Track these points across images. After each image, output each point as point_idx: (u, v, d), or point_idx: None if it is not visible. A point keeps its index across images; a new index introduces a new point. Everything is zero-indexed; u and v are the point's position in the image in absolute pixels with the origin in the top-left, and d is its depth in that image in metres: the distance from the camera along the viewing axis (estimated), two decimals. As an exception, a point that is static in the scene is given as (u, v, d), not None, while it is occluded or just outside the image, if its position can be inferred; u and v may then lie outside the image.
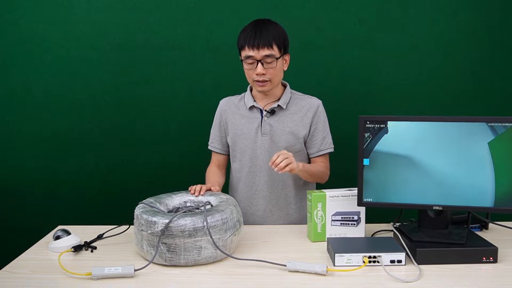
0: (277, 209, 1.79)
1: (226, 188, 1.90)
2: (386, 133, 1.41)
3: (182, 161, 2.32)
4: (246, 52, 1.64)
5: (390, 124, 1.40)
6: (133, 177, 2.33)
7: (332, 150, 1.81)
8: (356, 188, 1.47)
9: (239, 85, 2.07)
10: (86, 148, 2.31)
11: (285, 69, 1.74)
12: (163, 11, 2.22)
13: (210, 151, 1.90)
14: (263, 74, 1.65)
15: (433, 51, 2.25)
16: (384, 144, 1.41)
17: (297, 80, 2.22)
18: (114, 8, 2.21)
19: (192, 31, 2.23)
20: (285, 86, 1.82)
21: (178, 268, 1.31)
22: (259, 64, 1.64)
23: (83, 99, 2.28)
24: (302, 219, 1.82)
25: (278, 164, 1.52)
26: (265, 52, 1.62)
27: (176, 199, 1.53)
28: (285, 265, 1.28)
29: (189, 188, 1.58)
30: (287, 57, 1.74)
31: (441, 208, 1.40)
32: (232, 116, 1.81)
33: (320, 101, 1.80)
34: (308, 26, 2.23)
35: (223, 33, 2.22)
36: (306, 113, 1.76)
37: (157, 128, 2.30)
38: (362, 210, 1.52)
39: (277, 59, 1.65)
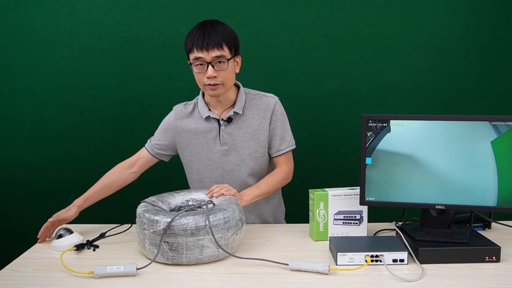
0: (247, 212, 1.75)
1: None
2: (389, 132, 1.41)
3: (184, 160, 2.32)
4: (195, 54, 1.55)
5: (393, 123, 1.40)
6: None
7: (293, 147, 1.76)
8: (359, 187, 1.47)
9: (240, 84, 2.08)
10: (89, 147, 2.32)
11: (237, 71, 1.67)
12: (165, 10, 2.22)
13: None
14: (215, 77, 1.57)
15: (435, 50, 2.25)
16: (387, 143, 1.41)
17: (298, 80, 2.23)
18: (116, 7, 2.21)
19: (194, 30, 2.23)
20: (238, 87, 1.74)
21: (180, 267, 1.31)
22: (210, 67, 1.55)
23: (85, 97, 2.28)
24: (276, 218, 1.82)
25: (213, 191, 1.50)
26: (215, 53, 1.54)
27: (178, 198, 1.53)
28: (287, 264, 1.28)
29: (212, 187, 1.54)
30: (238, 59, 1.65)
31: (443, 207, 1.39)
32: (187, 127, 1.73)
33: (276, 99, 1.73)
34: (310, 25, 2.22)
35: (225, 32, 2.22)
36: (264, 115, 1.70)
37: (158, 126, 2.30)
38: (365, 209, 1.52)
39: (228, 60, 1.57)
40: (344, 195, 1.51)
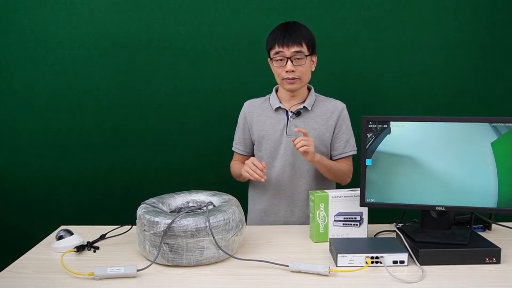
0: (299, 209, 1.82)
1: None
2: (389, 133, 1.41)
3: (184, 161, 2.32)
4: (276, 49, 1.68)
5: (393, 124, 1.40)
6: (135, 177, 2.34)
7: (355, 152, 1.84)
8: (359, 189, 1.47)
9: (241, 85, 2.08)
10: (89, 148, 2.32)
11: (313, 69, 1.77)
12: (165, 11, 2.22)
13: (225, 149, 1.93)
14: (293, 71, 1.68)
15: (435, 51, 2.25)
16: (387, 144, 1.41)
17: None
18: (116, 8, 2.22)
19: (194, 32, 2.23)
20: (309, 89, 1.84)
21: (180, 268, 1.31)
22: (289, 61, 1.68)
23: (85, 99, 2.29)
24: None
25: (297, 143, 1.58)
26: (295, 48, 1.67)
27: (179, 200, 1.53)
28: (288, 266, 1.28)
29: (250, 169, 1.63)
30: (314, 58, 1.77)
31: (444, 209, 1.39)
32: (257, 118, 1.84)
33: (344, 104, 1.84)
34: (311, 26, 2.21)
35: (226, 34, 2.22)
36: (331, 116, 1.79)
37: (159, 128, 2.31)
38: (365, 210, 1.52)
39: (306, 56, 1.69)
40: (344, 196, 1.51)
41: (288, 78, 1.70)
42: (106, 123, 2.30)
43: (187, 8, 2.22)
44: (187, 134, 2.32)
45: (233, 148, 1.94)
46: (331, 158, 1.84)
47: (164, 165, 2.34)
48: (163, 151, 2.33)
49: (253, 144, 1.89)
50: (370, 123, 1.42)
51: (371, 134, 1.42)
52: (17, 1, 2.21)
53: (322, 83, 2.26)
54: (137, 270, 1.26)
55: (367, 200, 1.45)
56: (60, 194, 2.35)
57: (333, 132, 1.80)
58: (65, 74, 2.27)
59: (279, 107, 1.80)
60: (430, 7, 2.21)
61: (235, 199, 1.49)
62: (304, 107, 1.78)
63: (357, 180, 1.48)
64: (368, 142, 1.42)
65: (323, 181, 1.83)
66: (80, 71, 2.26)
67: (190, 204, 1.52)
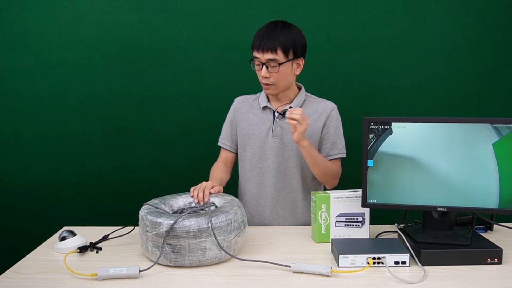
0: (284, 211, 1.80)
1: (231, 187, 1.90)
2: (390, 134, 1.41)
3: (187, 162, 2.33)
4: (254, 53, 1.67)
5: (394, 125, 1.41)
6: (138, 178, 2.34)
7: (343, 155, 1.80)
8: (361, 189, 1.47)
9: (243, 87, 2.08)
10: (92, 150, 2.32)
11: (297, 73, 1.73)
12: (168, 13, 2.23)
13: (219, 148, 1.90)
14: (267, 77, 1.66)
15: (437, 52, 2.25)
16: (388, 145, 1.41)
17: (300, 82, 2.23)
18: (118, 11, 2.22)
19: (197, 33, 2.24)
20: (300, 89, 1.81)
21: (182, 269, 1.31)
22: (264, 67, 1.65)
23: (88, 101, 2.29)
24: (309, 223, 1.81)
25: (291, 112, 1.55)
26: (269, 56, 1.63)
27: (181, 200, 1.54)
28: (290, 266, 1.29)
29: (191, 192, 1.56)
30: (300, 61, 1.71)
31: (445, 209, 1.40)
32: (245, 115, 1.82)
33: (334, 105, 1.79)
34: (312, 28, 2.23)
35: (228, 35, 2.23)
36: (319, 117, 1.76)
37: (161, 129, 2.31)
38: (367, 211, 1.52)
39: (279, 64, 1.64)
40: (346, 197, 1.51)
41: (263, 83, 1.68)
42: (108, 125, 2.31)
43: (190, 10, 2.22)
44: (189, 136, 2.32)
45: (219, 143, 1.90)
46: None
47: (167, 166, 2.34)
48: (165, 152, 2.34)
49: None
50: (372, 124, 1.42)
51: (372, 135, 1.42)
52: (20, 3, 2.22)
53: (322, 84, 2.27)
54: (140, 271, 1.26)
55: (369, 201, 1.45)
56: (63, 195, 2.36)
57: (321, 133, 1.76)
58: (67, 76, 2.27)
59: (266, 107, 1.77)
60: (432, 8, 2.21)
61: (237, 200, 1.49)
62: (290, 107, 1.74)
63: (359, 181, 1.48)
64: (370, 143, 1.42)
65: (310, 184, 1.81)
66: (83, 73, 2.27)
67: (192, 205, 1.52)
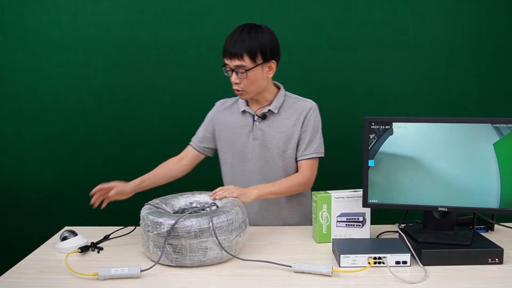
0: (269, 213, 1.78)
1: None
2: (391, 134, 1.41)
3: (187, 162, 2.33)
4: (224, 59, 1.65)
5: (395, 125, 1.41)
6: (138, 178, 2.34)
7: (319, 155, 1.74)
8: (361, 189, 1.48)
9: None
10: (92, 150, 2.33)
11: (270, 76, 1.68)
12: (168, 14, 2.23)
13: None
14: (237, 83, 1.64)
15: (437, 52, 2.25)
16: (389, 145, 1.42)
17: (300, 82, 2.23)
18: (119, 11, 2.23)
19: (197, 33, 2.24)
20: (279, 88, 1.77)
21: (184, 269, 1.31)
22: (233, 74, 1.63)
23: (89, 101, 2.29)
24: (294, 224, 1.79)
25: (217, 194, 1.52)
26: (236, 62, 1.61)
27: (182, 200, 1.54)
28: (291, 266, 1.29)
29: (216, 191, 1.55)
30: (272, 64, 1.66)
31: (446, 209, 1.40)
32: (226, 119, 1.80)
33: (314, 104, 1.75)
34: (311, 28, 2.23)
35: (228, 35, 2.23)
36: (299, 117, 1.72)
37: (162, 129, 2.31)
38: (367, 211, 1.52)
39: (247, 70, 1.60)
40: (347, 197, 1.51)
41: (235, 89, 1.66)
42: (109, 125, 2.31)
43: (190, 10, 2.23)
44: (190, 135, 2.32)
45: (191, 142, 1.88)
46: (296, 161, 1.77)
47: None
48: (166, 152, 2.33)
49: (215, 146, 1.84)
50: (373, 124, 1.42)
51: (373, 135, 1.42)
52: (21, 4, 2.22)
53: (323, 84, 2.27)
54: (141, 271, 1.26)
55: (370, 201, 1.45)
56: (64, 195, 2.36)
57: (300, 133, 1.73)
58: (68, 76, 2.28)
59: (245, 110, 1.75)
60: (432, 9, 2.22)
61: (238, 200, 1.49)
62: (269, 110, 1.71)
63: (360, 181, 1.48)
64: (371, 143, 1.43)
65: None
66: (84, 73, 2.27)
67: (194, 205, 1.53)
